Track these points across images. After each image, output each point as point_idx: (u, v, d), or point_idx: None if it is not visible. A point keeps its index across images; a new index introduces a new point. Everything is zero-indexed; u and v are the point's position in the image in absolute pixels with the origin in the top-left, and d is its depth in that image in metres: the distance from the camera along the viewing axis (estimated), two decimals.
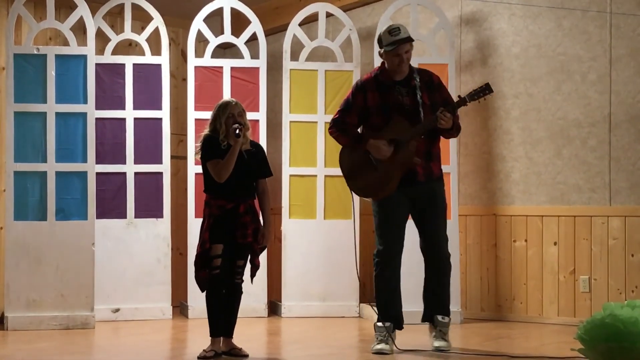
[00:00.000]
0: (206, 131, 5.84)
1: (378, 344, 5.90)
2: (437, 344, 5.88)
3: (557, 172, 7.35)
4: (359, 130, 6.09)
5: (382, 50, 5.95)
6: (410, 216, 6.09)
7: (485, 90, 5.88)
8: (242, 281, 5.82)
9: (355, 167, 6.02)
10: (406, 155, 5.86)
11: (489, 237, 7.68)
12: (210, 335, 5.77)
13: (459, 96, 5.96)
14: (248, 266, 5.84)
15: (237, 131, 5.66)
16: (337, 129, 6.07)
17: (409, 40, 5.90)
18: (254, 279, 5.90)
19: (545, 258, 7.37)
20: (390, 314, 5.99)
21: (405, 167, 5.88)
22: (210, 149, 5.73)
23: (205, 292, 5.75)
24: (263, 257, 7.86)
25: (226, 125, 5.71)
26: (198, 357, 5.68)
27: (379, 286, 6.02)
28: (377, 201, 6.00)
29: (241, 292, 5.84)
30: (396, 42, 5.84)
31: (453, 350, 5.89)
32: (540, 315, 7.37)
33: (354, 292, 7.95)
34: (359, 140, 5.98)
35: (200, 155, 5.80)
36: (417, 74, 5.98)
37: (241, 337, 5.97)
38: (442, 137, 6.08)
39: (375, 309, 6.08)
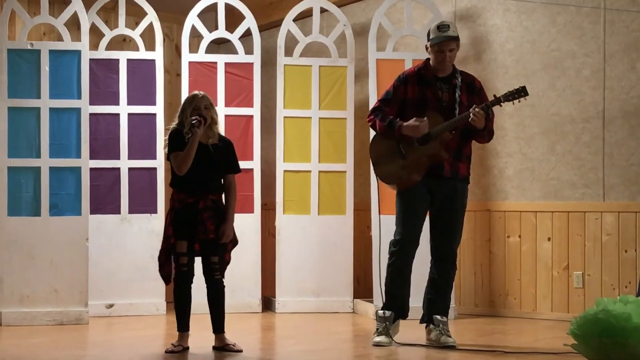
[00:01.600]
0: (174, 124, 5.79)
1: (378, 335, 5.97)
2: (444, 339, 5.90)
3: (551, 167, 7.36)
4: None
5: (428, 44, 6.03)
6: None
7: (520, 92, 5.91)
8: (221, 277, 5.76)
9: (384, 154, 6.09)
10: (434, 147, 5.92)
11: (483, 232, 7.69)
12: (178, 330, 5.76)
13: (494, 95, 6.00)
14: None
15: (193, 121, 5.59)
16: (374, 115, 6.12)
17: (455, 39, 5.98)
18: (225, 274, 5.83)
19: (538, 254, 7.38)
20: (397, 303, 6.05)
21: (432, 160, 5.94)
22: (174, 142, 5.70)
23: (173, 288, 5.73)
24: (256, 253, 7.93)
25: (191, 118, 5.68)
26: (165, 351, 5.67)
27: (391, 274, 6.06)
28: (401, 191, 6.05)
29: (223, 287, 5.79)
30: (441, 38, 5.93)
31: (469, 344, 5.94)
32: (534, 310, 7.38)
33: (348, 287, 7.95)
34: (393, 125, 5.99)
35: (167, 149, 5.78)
36: (460, 75, 6.08)
37: (235, 332, 5.97)
38: (474, 140, 6.13)
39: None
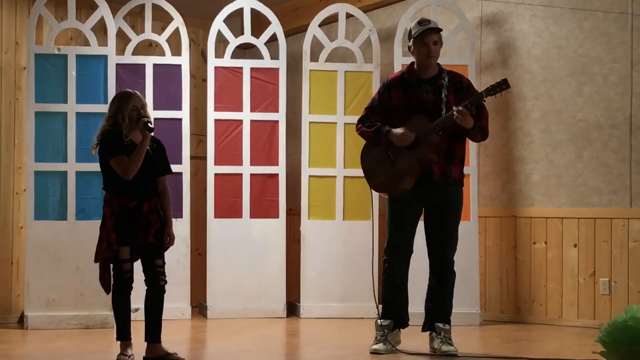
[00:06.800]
0: (105, 125, 5.49)
1: (375, 343, 5.93)
2: (445, 348, 5.81)
3: (578, 174, 7.32)
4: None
5: (410, 42, 5.96)
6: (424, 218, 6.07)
7: (502, 85, 5.80)
8: (165, 282, 5.59)
9: (374, 162, 6.04)
10: (423, 151, 5.84)
11: (509, 238, 7.65)
12: (121, 340, 5.54)
13: (476, 91, 5.93)
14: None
15: (150, 124, 5.38)
16: (362, 125, 6.09)
17: (437, 31, 5.90)
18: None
19: (565, 260, 7.34)
20: (394, 312, 6.00)
21: (422, 163, 5.86)
22: (113, 145, 5.41)
23: (115, 296, 5.50)
24: (281, 258, 7.93)
25: (129, 119, 5.41)
26: None
27: (385, 283, 6.05)
28: (390, 200, 6.01)
29: (164, 293, 5.62)
30: (425, 30, 5.85)
31: (474, 353, 5.89)
32: (560, 317, 7.34)
33: (372, 293, 7.92)
34: (381, 131, 5.94)
35: (98, 151, 5.49)
36: (447, 75, 5.97)
37: (259, 337, 5.97)
38: (469, 140, 6.06)
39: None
